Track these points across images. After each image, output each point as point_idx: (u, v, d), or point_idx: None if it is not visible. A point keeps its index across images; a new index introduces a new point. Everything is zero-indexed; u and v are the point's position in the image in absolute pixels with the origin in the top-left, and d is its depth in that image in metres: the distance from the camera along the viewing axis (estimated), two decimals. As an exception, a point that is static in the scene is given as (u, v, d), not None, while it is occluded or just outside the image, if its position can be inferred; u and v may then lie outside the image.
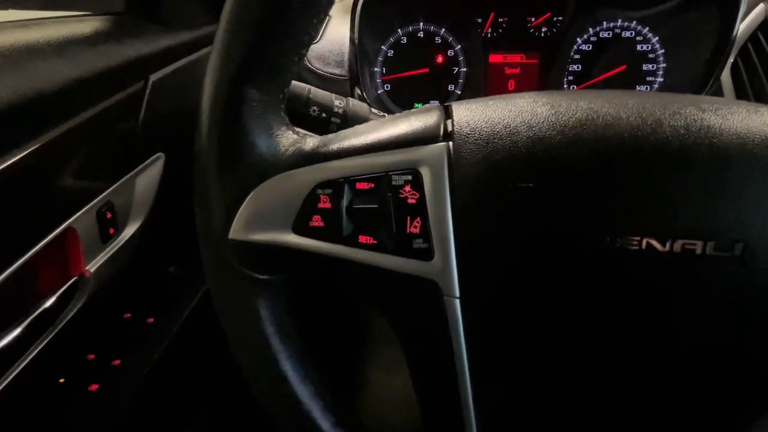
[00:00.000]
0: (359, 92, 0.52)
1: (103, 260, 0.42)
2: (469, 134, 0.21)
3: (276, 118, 0.23)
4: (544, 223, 0.20)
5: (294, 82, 0.33)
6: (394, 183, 0.21)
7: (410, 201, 0.21)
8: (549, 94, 0.22)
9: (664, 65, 0.52)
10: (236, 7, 0.20)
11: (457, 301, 0.21)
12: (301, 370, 0.24)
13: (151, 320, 0.49)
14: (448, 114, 0.22)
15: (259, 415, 0.26)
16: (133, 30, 0.47)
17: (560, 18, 0.53)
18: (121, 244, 0.45)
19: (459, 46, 0.55)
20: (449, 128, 0.21)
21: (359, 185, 0.21)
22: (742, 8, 0.45)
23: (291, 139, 0.22)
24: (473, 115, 0.22)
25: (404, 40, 0.56)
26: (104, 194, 0.42)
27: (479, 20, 0.54)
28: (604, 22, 0.52)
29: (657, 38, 0.52)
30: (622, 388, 0.22)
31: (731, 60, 0.48)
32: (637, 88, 0.53)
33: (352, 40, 0.51)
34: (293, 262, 0.22)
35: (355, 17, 0.49)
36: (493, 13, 0.53)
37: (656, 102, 0.20)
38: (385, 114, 0.36)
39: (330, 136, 0.23)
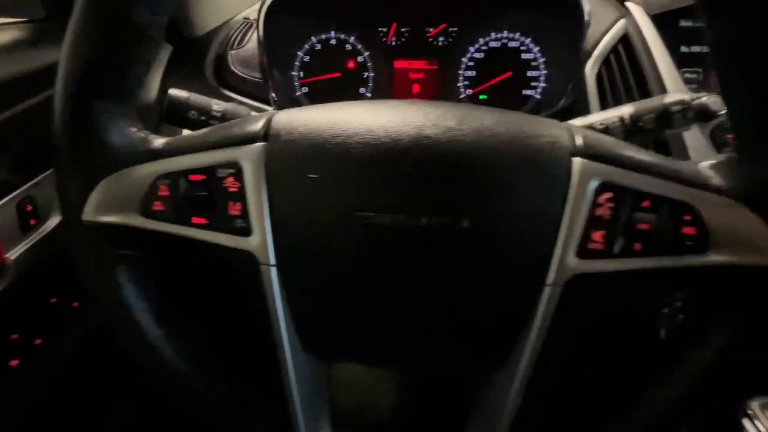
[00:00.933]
0: (273, 95, 0.57)
1: (24, 249, 0.46)
2: (282, 136, 0.27)
3: (127, 122, 0.28)
4: (330, 204, 0.25)
5: (174, 90, 0.38)
6: (219, 175, 0.26)
7: (231, 189, 0.26)
8: (354, 104, 0.28)
9: (546, 72, 0.59)
10: (73, 43, 0.26)
11: (273, 269, 0.27)
12: (158, 321, 0.29)
13: (75, 304, 0.53)
14: (269, 119, 0.28)
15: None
16: (53, 37, 0.51)
17: (455, 29, 0.59)
18: (43, 234, 0.49)
19: (367, 53, 0.60)
20: (269, 131, 0.27)
21: (192, 177, 0.27)
22: (587, 27, 0.51)
23: (139, 138, 0.28)
24: (290, 120, 0.27)
25: (318, 46, 0.61)
26: (24, 188, 0.46)
27: (384, 30, 0.60)
28: (493, 33, 0.58)
29: (537, 48, 0.58)
30: (408, 324, 0.27)
31: (596, 70, 0.55)
32: (524, 92, 0.60)
33: (260, 45, 0.55)
34: (141, 239, 0.27)
35: (259, 26, 0.54)
36: (395, 24, 0.59)
37: (420, 111, 0.26)
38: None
39: (176, 137, 0.28)
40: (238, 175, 0.26)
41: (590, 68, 0.55)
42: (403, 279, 0.26)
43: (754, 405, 0.44)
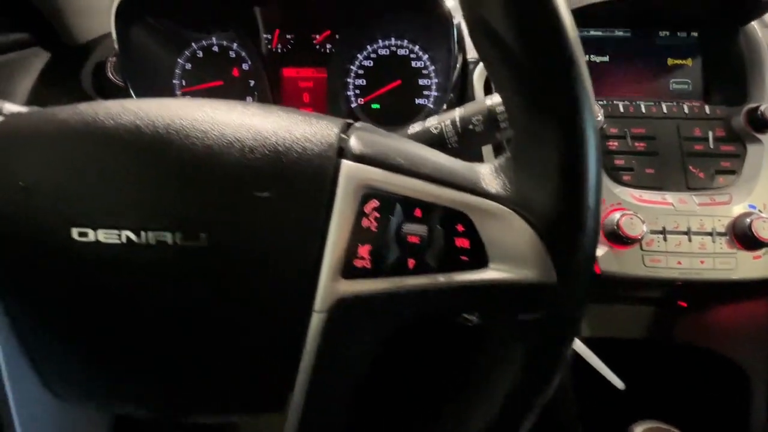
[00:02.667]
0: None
1: None
2: (5, 139, 0.22)
3: None
4: (44, 217, 0.21)
5: None
6: None
7: None
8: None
9: (437, 80, 0.57)
10: None
11: None
12: None
13: None
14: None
15: None
16: None
17: (340, 35, 0.56)
18: None
19: (251, 61, 0.57)
20: None
21: None
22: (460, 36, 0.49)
23: None
24: (17, 122, 0.23)
25: (200, 53, 0.57)
26: None
27: (268, 36, 0.57)
28: (380, 41, 0.56)
29: (427, 56, 0.56)
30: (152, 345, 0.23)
31: (484, 78, 0.53)
32: (416, 101, 0.57)
33: (118, 52, 0.52)
34: None
35: (113, 30, 0.50)
36: (278, 30, 0.56)
37: (183, 109, 0.22)
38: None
39: None
40: None
41: (478, 78, 0.53)
42: (140, 305, 0.21)
43: (638, 429, 0.41)
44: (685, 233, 0.44)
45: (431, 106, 0.57)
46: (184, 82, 0.58)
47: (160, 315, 0.21)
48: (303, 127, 0.22)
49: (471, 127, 0.31)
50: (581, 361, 0.51)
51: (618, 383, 0.37)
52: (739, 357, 0.51)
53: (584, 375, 0.51)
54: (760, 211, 0.45)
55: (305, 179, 0.21)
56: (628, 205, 0.45)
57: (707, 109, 0.50)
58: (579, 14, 0.51)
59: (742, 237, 0.44)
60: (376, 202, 0.21)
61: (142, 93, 0.54)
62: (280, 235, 0.21)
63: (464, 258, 0.20)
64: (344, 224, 0.21)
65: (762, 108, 0.46)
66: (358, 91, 0.58)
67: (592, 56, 0.56)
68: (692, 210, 0.45)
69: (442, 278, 0.20)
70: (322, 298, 0.21)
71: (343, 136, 0.23)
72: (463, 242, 0.20)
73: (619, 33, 0.55)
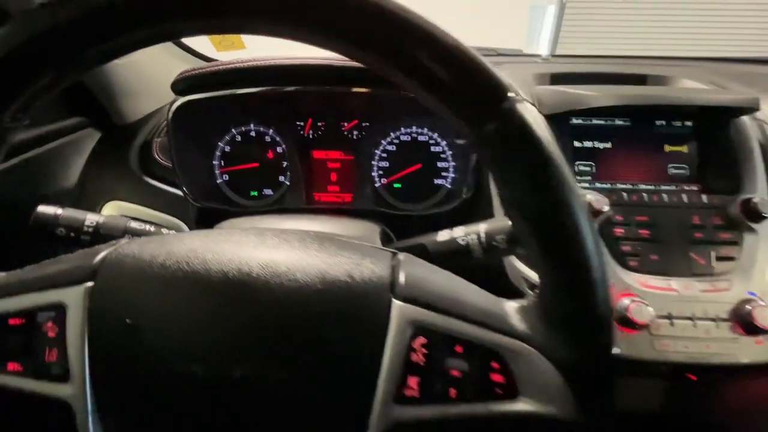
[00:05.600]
0: (183, 188, 0.58)
1: None
2: (110, 274, 0.27)
3: None
4: (146, 352, 0.25)
5: (43, 206, 0.38)
6: (38, 320, 0.26)
7: (50, 335, 0.26)
8: (191, 236, 0.28)
9: (454, 164, 0.62)
10: None
11: (91, 417, 0.25)
12: None
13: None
14: (105, 254, 0.28)
15: None
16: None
17: (366, 123, 0.62)
18: None
19: (285, 145, 0.63)
20: (100, 268, 0.27)
21: (11, 321, 0.26)
22: None
23: None
24: (120, 256, 0.27)
25: (239, 138, 0.64)
26: None
27: (301, 123, 0.63)
28: (402, 128, 0.62)
29: (445, 142, 0.62)
30: None
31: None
32: (435, 181, 0.62)
33: (170, 142, 0.57)
34: None
35: (169, 125, 0.56)
36: (310, 119, 0.62)
37: (254, 248, 0.27)
38: (147, 226, 0.41)
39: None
40: (59, 318, 0.26)
41: (493, 162, 0.58)
42: (218, 428, 0.25)
43: None
44: (690, 319, 0.48)
45: (449, 186, 0.62)
46: (223, 163, 0.64)
47: None
48: (360, 268, 0.27)
49: (495, 243, 0.35)
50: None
51: None
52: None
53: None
54: (759, 298, 0.48)
55: (364, 319, 0.25)
56: (636, 291, 0.49)
57: (705, 198, 0.54)
58: (588, 109, 0.57)
59: (744, 323, 0.47)
60: (424, 339, 0.25)
61: (186, 172, 0.60)
62: (342, 368, 0.25)
63: (499, 391, 0.24)
64: (396, 358, 0.25)
65: (755, 200, 0.51)
66: (381, 172, 0.63)
67: (595, 143, 0.61)
68: (696, 296, 0.48)
69: (479, 408, 0.24)
70: (376, 423, 0.24)
71: (393, 272, 0.27)
72: (497, 377, 0.24)
73: (619, 122, 0.61)
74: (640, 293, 0.49)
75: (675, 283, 0.49)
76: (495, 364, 0.24)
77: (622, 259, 0.51)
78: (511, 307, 0.26)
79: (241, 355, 0.25)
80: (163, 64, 0.76)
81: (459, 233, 0.37)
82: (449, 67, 0.22)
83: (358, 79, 0.56)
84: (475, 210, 0.60)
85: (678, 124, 0.61)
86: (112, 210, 0.64)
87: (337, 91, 0.58)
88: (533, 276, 0.54)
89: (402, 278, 0.26)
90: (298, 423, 0.25)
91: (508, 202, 0.25)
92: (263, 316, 0.25)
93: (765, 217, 0.51)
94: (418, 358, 0.25)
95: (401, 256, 0.29)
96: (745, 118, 0.58)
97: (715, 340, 0.47)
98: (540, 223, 0.24)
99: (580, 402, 0.23)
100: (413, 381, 0.24)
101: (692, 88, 0.64)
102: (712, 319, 0.48)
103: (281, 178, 0.64)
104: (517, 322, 0.25)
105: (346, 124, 0.62)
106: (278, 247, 0.27)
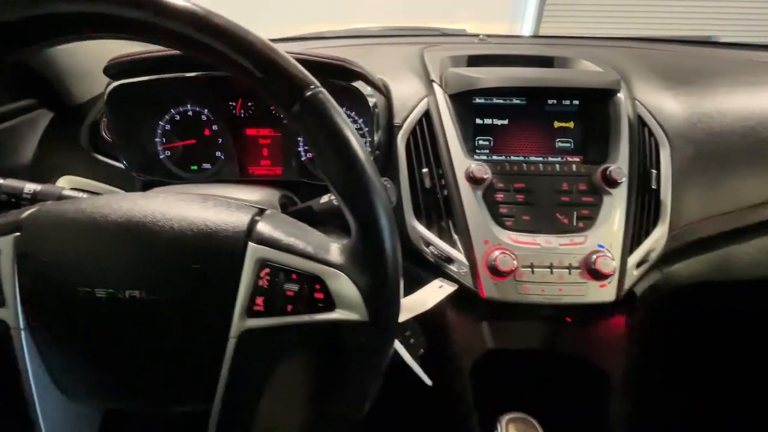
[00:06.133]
0: (123, 162, 0.65)
1: None
2: (33, 226, 0.35)
3: None
4: (60, 281, 0.33)
5: None
6: None
7: None
8: (104, 198, 0.36)
9: (369, 140, 0.70)
10: None
11: (24, 332, 0.34)
12: None
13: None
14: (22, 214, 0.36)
15: None
16: None
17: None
18: None
19: (219, 123, 0.70)
20: (24, 223, 0.35)
21: None
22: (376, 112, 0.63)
23: None
24: (40, 214, 0.35)
25: (178, 117, 0.70)
26: None
27: (232, 104, 0.69)
28: (324, 108, 0.69)
29: (362, 120, 0.69)
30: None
31: (405, 140, 0.66)
32: (354, 155, 0.70)
33: (109, 123, 0.64)
34: None
35: (107, 111, 0.63)
36: (241, 99, 0.69)
37: (144, 202, 0.35)
38: (79, 194, 0.49)
39: None
40: None
41: (401, 138, 0.66)
42: (120, 337, 0.34)
43: (504, 419, 0.54)
44: (549, 267, 0.58)
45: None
46: (164, 140, 0.71)
47: (134, 343, 0.34)
48: (224, 216, 0.35)
49: None
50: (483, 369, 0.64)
51: (427, 380, 0.48)
52: (603, 363, 0.64)
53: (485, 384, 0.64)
54: (607, 249, 0.58)
55: (224, 256, 0.34)
56: (506, 245, 0.59)
57: (574, 167, 0.63)
58: (484, 89, 0.64)
59: (590, 270, 0.57)
60: (268, 269, 0.34)
61: (129, 149, 0.67)
62: (209, 292, 0.34)
63: (321, 305, 0.33)
64: (248, 284, 0.33)
65: (611, 168, 0.60)
66: (306, 148, 0.71)
67: (494, 120, 0.69)
68: (555, 249, 0.58)
69: (307, 317, 0.33)
70: (234, 330, 0.33)
71: (256, 218, 0.35)
72: (319, 295, 0.33)
73: (516, 101, 0.69)
74: (510, 247, 0.58)
75: (540, 239, 0.59)
76: (318, 286, 0.33)
77: (499, 220, 0.61)
78: (334, 245, 0.35)
79: (131, 281, 0.33)
80: (110, 46, 0.81)
81: (333, 196, 0.46)
82: (262, 66, 0.30)
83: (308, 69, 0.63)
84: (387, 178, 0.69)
85: (567, 102, 0.69)
86: (65, 183, 0.71)
87: None
88: (430, 235, 0.63)
89: (259, 227, 0.35)
90: (178, 332, 0.34)
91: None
92: (147, 252, 0.33)
93: (619, 183, 0.60)
94: (263, 283, 0.34)
95: (268, 212, 0.37)
96: (621, 97, 0.66)
97: (567, 284, 0.57)
98: (339, 189, 0.32)
99: (372, 312, 0.32)
100: (260, 300, 0.33)
101: (579, 70, 0.72)
102: (567, 268, 0.58)
103: (218, 154, 0.71)
104: (336, 256, 0.34)
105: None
106: (166, 202, 0.36)
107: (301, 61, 0.61)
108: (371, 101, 0.62)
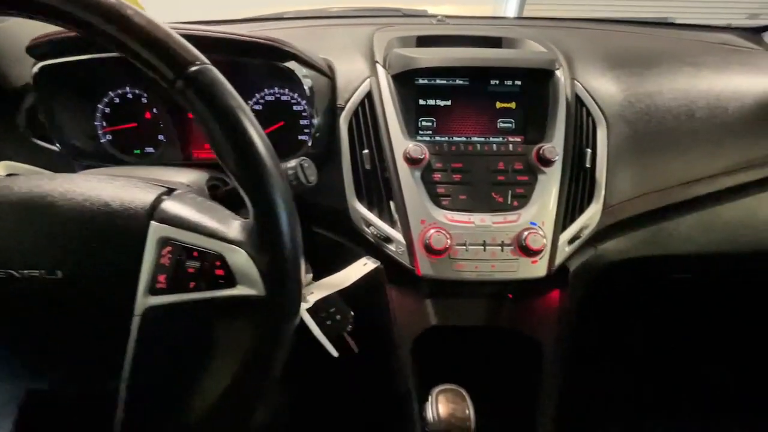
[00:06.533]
0: (56, 145, 0.64)
1: None
2: None
3: None
4: None
5: None
6: None
7: None
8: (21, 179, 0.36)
9: (314, 121, 0.70)
10: None
11: None
12: None
13: None
14: None
15: None
16: None
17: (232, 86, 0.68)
18: None
19: (160, 105, 0.69)
20: None
21: None
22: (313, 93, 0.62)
23: None
24: None
25: (117, 100, 0.69)
26: None
27: (172, 86, 0.68)
28: (266, 89, 0.69)
29: (305, 101, 0.69)
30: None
31: (348, 121, 0.66)
32: (299, 137, 0.70)
33: (39, 105, 0.63)
34: None
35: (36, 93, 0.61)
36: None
37: (57, 183, 0.35)
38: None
39: None
40: None
41: (343, 120, 0.66)
42: (22, 317, 0.34)
43: (435, 391, 0.56)
44: (482, 245, 0.59)
45: (309, 142, 0.70)
46: (104, 123, 0.70)
47: (38, 323, 0.34)
48: (129, 196, 0.35)
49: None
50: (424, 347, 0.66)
51: (333, 352, 0.50)
52: (538, 335, 0.66)
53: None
54: (539, 227, 0.60)
55: (126, 235, 0.34)
56: (442, 225, 0.60)
57: (510, 146, 0.64)
58: (428, 70, 0.64)
59: (522, 247, 0.59)
60: (170, 248, 0.34)
61: (64, 133, 0.66)
62: (111, 270, 0.34)
63: (221, 281, 0.34)
64: (150, 262, 0.34)
65: (544, 147, 0.61)
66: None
67: (437, 101, 0.69)
68: (488, 227, 0.60)
69: (209, 294, 0.34)
70: (138, 307, 0.34)
71: (163, 198, 0.36)
72: (220, 272, 0.34)
73: (459, 81, 0.69)
74: (445, 226, 0.60)
75: (474, 217, 0.60)
76: (218, 263, 0.34)
77: (437, 199, 0.62)
78: (236, 223, 0.35)
79: (30, 261, 0.33)
80: (52, 28, 0.79)
81: (290, 164, 0.46)
82: (141, 41, 0.30)
83: (223, 48, 0.62)
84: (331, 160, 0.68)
85: (509, 83, 0.70)
86: (1, 169, 0.70)
87: None
88: (370, 216, 0.64)
89: (163, 206, 0.35)
90: (82, 311, 0.34)
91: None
92: (47, 231, 0.34)
93: (553, 162, 0.61)
94: (165, 261, 0.34)
95: (177, 192, 0.38)
96: (560, 77, 0.67)
97: (499, 261, 0.59)
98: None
99: (270, 288, 0.33)
100: (162, 277, 0.34)
101: (520, 50, 0.72)
102: (499, 245, 0.59)
103: (160, 137, 0.70)
104: (236, 233, 0.35)
105: (214, 86, 0.68)
106: (72, 182, 0.36)
107: (227, 41, 0.61)
108: (307, 83, 0.61)
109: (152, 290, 0.34)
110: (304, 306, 0.44)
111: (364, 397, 0.72)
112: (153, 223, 0.34)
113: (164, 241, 0.34)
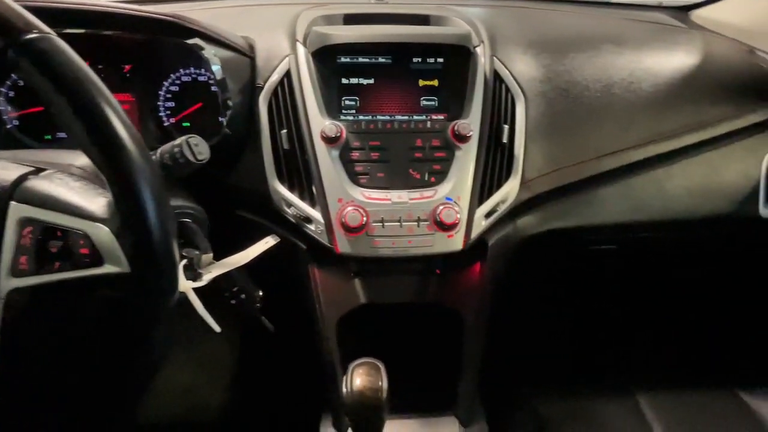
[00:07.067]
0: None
1: None
2: None
3: None
4: None
5: None
6: None
7: None
8: None
9: (229, 101, 0.68)
10: None
11: None
12: None
13: None
14: None
15: None
16: None
17: (144, 66, 0.66)
18: None
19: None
20: None
21: None
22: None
23: None
24: None
25: (21, 82, 0.65)
26: None
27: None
28: (182, 69, 0.67)
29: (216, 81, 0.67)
30: None
31: (267, 101, 0.65)
32: (219, 119, 0.68)
33: None
34: None
35: None
36: (88, 62, 0.65)
37: None
38: None
39: None
40: None
41: (263, 99, 0.65)
42: None
43: (352, 365, 0.57)
44: (398, 221, 0.60)
45: (227, 122, 0.69)
46: (10, 108, 0.66)
47: None
48: None
49: (169, 163, 0.44)
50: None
51: (216, 328, 0.50)
52: (460, 307, 0.68)
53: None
54: (455, 202, 0.61)
55: None
56: (359, 203, 0.60)
57: (429, 124, 0.65)
58: (349, 47, 0.63)
59: (437, 222, 0.60)
60: (30, 228, 0.33)
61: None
62: None
63: (87, 261, 0.33)
64: (10, 243, 0.33)
65: (459, 124, 0.62)
66: (169, 112, 0.68)
67: (360, 79, 0.69)
68: (405, 203, 0.60)
69: (75, 273, 0.33)
70: (1, 290, 0.33)
71: (29, 177, 0.34)
72: (85, 251, 0.33)
73: (381, 60, 0.69)
74: (362, 204, 0.60)
75: (392, 194, 0.61)
76: (82, 242, 0.33)
77: (354, 178, 0.62)
78: (102, 200, 0.35)
79: None
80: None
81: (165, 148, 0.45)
82: None
83: (120, 23, 0.59)
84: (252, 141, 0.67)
85: (431, 60, 0.70)
86: None
87: (113, 36, 0.61)
88: (290, 196, 0.63)
89: (26, 185, 0.34)
90: None
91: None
92: None
93: (468, 138, 0.62)
94: (26, 241, 0.33)
95: (46, 171, 0.36)
96: (479, 54, 0.68)
97: (415, 236, 0.60)
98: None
99: (135, 266, 0.33)
100: (23, 259, 0.33)
101: (439, 27, 0.72)
102: (416, 221, 0.60)
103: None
104: (101, 211, 0.34)
105: (125, 66, 0.66)
106: None
107: (126, 16, 0.58)
108: (215, 61, 0.60)
109: (15, 272, 0.33)
110: (193, 285, 0.44)
111: (290, 374, 0.73)
112: (12, 203, 0.33)
113: (24, 221, 0.33)
